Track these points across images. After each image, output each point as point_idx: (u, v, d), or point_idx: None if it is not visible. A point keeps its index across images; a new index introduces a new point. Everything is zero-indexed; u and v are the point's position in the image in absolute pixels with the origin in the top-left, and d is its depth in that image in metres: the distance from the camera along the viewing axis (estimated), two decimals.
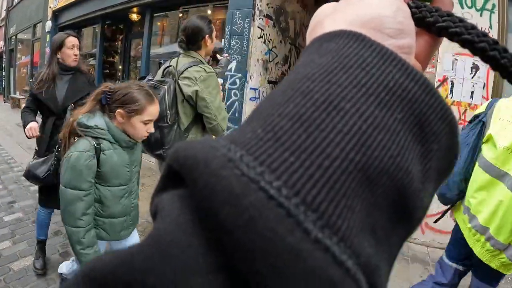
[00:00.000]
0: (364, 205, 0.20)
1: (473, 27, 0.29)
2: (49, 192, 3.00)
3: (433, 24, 0.30)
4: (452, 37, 0.29)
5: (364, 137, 0.20)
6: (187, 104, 2.62)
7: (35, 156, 3.08)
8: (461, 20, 0.29)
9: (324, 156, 0.19)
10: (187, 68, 2.59)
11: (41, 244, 3.31)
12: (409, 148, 0.22)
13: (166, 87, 2.55)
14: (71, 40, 3.05)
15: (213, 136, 3.04)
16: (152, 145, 2.62)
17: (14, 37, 16.10)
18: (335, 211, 0.18)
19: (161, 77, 2.70)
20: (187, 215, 0.21)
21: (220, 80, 2.99)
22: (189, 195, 0.21)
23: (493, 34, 3.62)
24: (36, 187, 5.01)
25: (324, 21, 0.29)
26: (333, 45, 0.24)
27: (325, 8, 0.31)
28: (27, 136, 3.06)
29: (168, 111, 2.54)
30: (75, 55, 3.08)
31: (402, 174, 0.21)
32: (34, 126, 3.03)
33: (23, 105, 3.27)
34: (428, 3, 0.31)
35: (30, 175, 2.86)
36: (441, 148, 0.24)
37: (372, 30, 0.25)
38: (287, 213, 0.18)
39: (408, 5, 0.30)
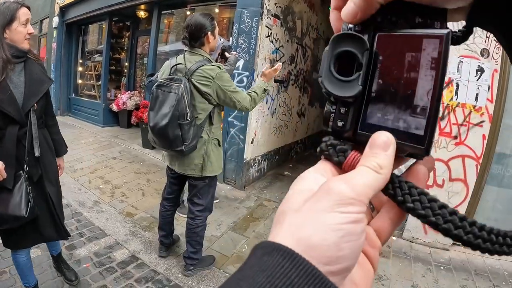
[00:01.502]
0: None
1: (442, 206, 0.32)
2: (24, 228, 2.30)
3: (402, 203, 0.33)
4: (418, 218, 0.33)
5: None
6: (205, 100, 2.73)
7: None
8: (432, 199, 0.32)
9: None
10: (200, 67, 2.68)
11: None
12: None
13: (182, 85, 2.61)
14: (25, 13, 2.17)
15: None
16: (171, 142, 2.67)
17: None
18: None
19: (170, 75, 2.75)
20: None
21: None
22: None
23: None
24: None
25: (286, 216, 0.32)
26: (271, 262, 0.28)
27: (296, 196, 0.34)
28: None
29: (188, 109, 2.60)
30: (30, 33, 2.21)
31: None
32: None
33: None
34: (403, 179, 0.34)
35: (5, 219, 2.15)
36: None
37: (311, 257, 0.28)
38: None
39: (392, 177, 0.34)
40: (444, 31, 0.32)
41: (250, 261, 0.29)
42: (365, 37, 0.34)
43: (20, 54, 2.18)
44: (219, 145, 2.98)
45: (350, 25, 0.35)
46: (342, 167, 0.36)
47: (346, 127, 0.36)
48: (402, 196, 0.33)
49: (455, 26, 0.36)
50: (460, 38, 0.36)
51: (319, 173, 0.35)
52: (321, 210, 0.30)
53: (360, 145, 0.36)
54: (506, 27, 0.31)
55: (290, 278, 0.26)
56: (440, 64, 0.32)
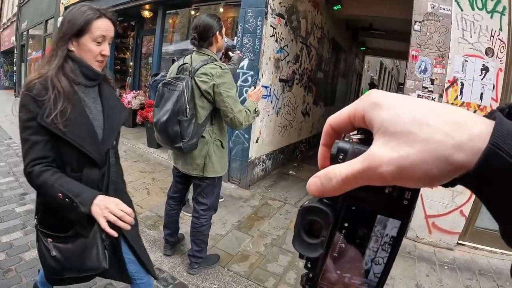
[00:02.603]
0: None
1: None
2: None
3: None
4: None
5: None
6: (204, 99, 2.72)
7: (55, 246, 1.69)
8: None
9: None
10: (203, 65, 2.70)
11: None
12: None
13: (184, 83, 2.65)
14: (104, 28, 1.64)
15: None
16: (171, 138, 2.70)
17: (25, 32, 16.25)
18: None
19: (176, 74, 2.78)
20: None
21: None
22: None
23: (503, 36, 3.62)
24: None
25: None
26: None
27: None
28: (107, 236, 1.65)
29: (187, 106, 2.62)
30: (103, 55, 1.68)
31: None
32: (124, 207, 1.55)
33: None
34: None
35: (78, 270, 1.74)
36: None
37: None
38: None
39: None
40: (400, 220, 0.36)
41: None
42: (332, 208, 0.38)
43: (94, 76, 1.70)
44: (222, 146, 2.97)
45: None
46: None
47: (313, 272, 0.40)
48: None
49: None
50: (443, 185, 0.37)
51: None
52: None
53: None
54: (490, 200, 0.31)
55: None
56: (396, 242, 0.37)
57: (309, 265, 0.40)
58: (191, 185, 3.24)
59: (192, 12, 7.84)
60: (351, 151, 0.35)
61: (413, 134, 0.30)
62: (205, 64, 2.70)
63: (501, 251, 3.98)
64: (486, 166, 0.27)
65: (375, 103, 0.33)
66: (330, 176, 0.34)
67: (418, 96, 3.84)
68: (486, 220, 4.05)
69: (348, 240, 0.38)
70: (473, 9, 3.65)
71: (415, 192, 0.35)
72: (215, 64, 2.72)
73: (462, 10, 3.66)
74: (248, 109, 2.82)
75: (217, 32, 2.78)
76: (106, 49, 1.67)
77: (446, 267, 3.69)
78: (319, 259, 0.39)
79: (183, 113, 2.62)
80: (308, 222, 0.38)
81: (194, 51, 2.83)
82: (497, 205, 0.30)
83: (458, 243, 4.09)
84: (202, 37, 2.76)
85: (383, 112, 0.32)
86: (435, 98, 3.88)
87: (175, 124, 2.64)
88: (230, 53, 3.81)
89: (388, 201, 0.35)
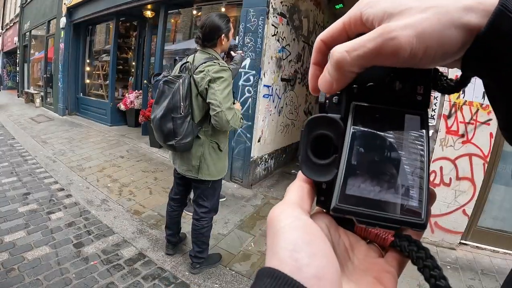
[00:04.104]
0: None
1: (436, 266, 0.32)
2: None
3: (407, 256, 0.34)
4: (417, 264, 0.33)
5: None
6: (201, 98, 2.68)
7: None
8: (429, 257, 0.33)
9: None
10: (202, 63, 2.67)
11: None
12: None
13: (180, 80, 2.61)
14: None
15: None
16: (165, 136, 2.67)
17: (28, 33, 16.26)
18: None
19: (178, 73, 2.76)
20: None
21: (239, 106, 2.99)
22: None
23: None
24: (50, 180, 5.11)
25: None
26: None
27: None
28: None
29: (181, 103, 2.59)
30: None
31: None
32: None
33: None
34: (410, 237, 0.34)
35: None
36: None
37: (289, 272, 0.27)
38: None
39: (394, 239, 0.34)
40: (418, 114, 0.33)
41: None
42: (340, 114, 0.35)
43: None
44: (220, 149, 2.90)
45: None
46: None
47: (326, 204, 0.34)
48: (408, 251, 0.34)
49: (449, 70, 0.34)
50: (451, 87, 0.35)
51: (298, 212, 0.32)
52: None
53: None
54: (502, 79, 0.30)
55: None
56: (424, 138, 0.32)
57: (322, 198, 0.35)
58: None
59: (194, 12, 7.83)
60: None
61: (421, 6, 0.29)
62: (204, 62, 2.67)
63: (504, 250, 3.97)
64: (496, 26, 0.27)
65: (371, 1, 0.32)
66: (336, 53, 0.32)
67: None
68: (489, 220, 4.05)
69: (366, 146, 0.32)
70: None
71: (427, 86, 0.33)
72: (214, 62, 2.67)
73: None
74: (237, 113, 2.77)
75: (223, 35, 2.74)
76: None
77: (448, 267, 3.67)
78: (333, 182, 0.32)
79: (177, 110, 2.59)
80: (314, 139, 0.34)
81: (198, 50, 2.82)
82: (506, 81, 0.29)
83: (460, 243, 4.08)
84: (207, 38, 2.73)
85: (383, 3, 0.31)
86: (437, 97, 3.87)
87: (169, 121, 2.61)
88: (232, 52, 3.81)
89: (400, 97, 0.33)
